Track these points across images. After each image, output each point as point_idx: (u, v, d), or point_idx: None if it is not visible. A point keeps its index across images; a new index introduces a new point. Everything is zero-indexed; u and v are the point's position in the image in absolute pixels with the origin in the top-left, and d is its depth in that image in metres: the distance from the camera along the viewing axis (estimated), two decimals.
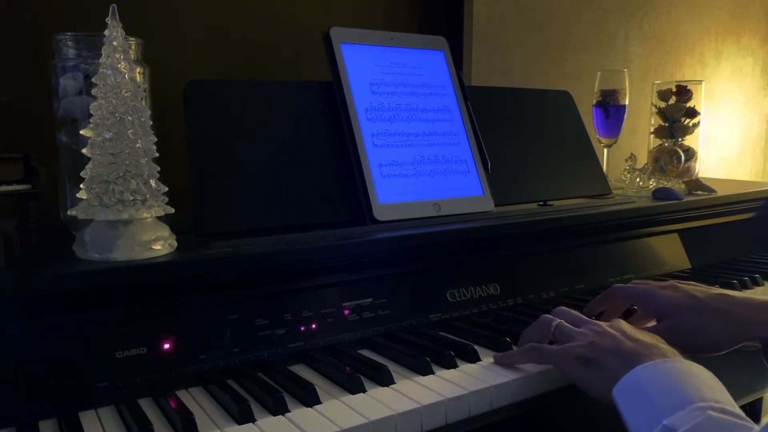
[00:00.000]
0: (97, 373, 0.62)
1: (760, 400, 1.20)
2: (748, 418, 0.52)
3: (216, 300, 0.70)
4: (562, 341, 0.68)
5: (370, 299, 0.79)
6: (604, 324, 0.68)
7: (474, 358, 0.72)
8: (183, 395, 0.65)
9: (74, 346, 0.62)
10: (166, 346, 0.66)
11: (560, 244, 0.99)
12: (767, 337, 0.72)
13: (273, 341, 0.72)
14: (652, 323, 0.78)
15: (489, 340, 0.77)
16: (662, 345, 0.63)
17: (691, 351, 0.76)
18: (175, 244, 0.72)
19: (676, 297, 0.75)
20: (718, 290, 0.77)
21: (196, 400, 0.64)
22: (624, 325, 0.68)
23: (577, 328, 0.69)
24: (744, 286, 1.01)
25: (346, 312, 0.78)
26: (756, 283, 1.03)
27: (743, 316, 0.73)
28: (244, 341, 0.70)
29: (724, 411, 0.51)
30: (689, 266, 1.13)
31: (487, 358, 0.73)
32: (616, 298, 0.82)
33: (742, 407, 0.57)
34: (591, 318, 0.73)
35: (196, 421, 0.57)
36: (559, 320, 0.71)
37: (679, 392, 0.54)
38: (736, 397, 0.92)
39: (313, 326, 0.75)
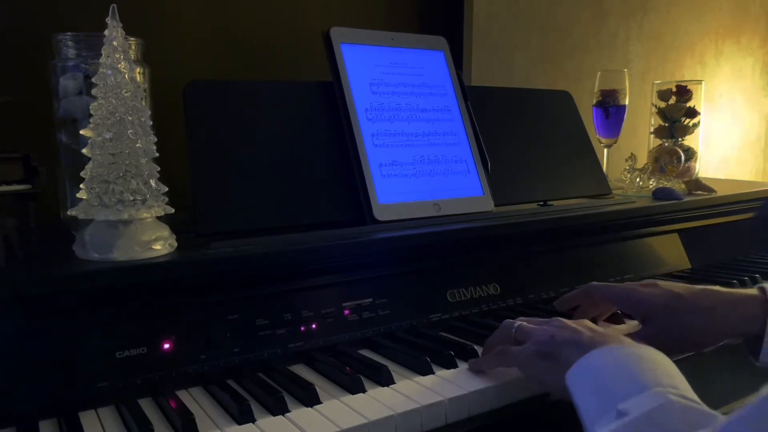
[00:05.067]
0: (97, 373, 0.62)
1: None
2: (706, 406, 0.50)
3: (216, 300, 0.70)
4: (524, 341, 0.66)
5: (370, 299, 0.79)
6: (567, 321, 0.66)
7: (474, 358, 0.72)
8: (183, 395, 0.65)
9: (74, 346, 0.62)
10: (166, 346, 0.66)
11: (560, 244, 0.99)
12: (749, 332, 0.71)
13: (273, 341, 0.72)
14: (636, 327, 0.76)
15: None
16: (623, 337, 0.61)
17: (677, 350, 0.75)
18: (175, 244, 0.72)
19: (659, 295, 0.73)
20: (699, 287, 0.75)
21: (196, 400, 0.64)
22: (588, 323, 0.65)
23: (537, 326, 0.67)
24: (744, 286, 1.01)
25: (346, 312, 0.78)
26: (756, 283, 1.03)
27: (725, 311, 0.71)
28: (244, 341, 0.70)
29: (684, 397, 0.49)
30: (689, 266, 1.13)
31: None
32: (593, 297, 0.79)
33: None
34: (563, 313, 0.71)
35: (196, 421, 0.57)
36: (520, 322, 0.69)
37: (635, 377, 0.52)
38: (733, 398, 0.92)
39: (313, 326, 0.75)
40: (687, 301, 0.72)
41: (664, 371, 0.53)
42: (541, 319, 0.69)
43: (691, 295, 0.73)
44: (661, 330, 0.72)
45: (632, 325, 0.82)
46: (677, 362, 0.80)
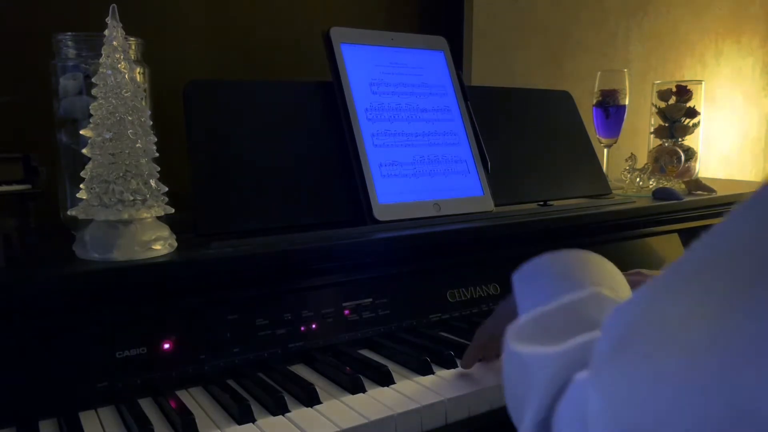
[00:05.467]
0: (97, 373, 0.62)
1: None
2: None
3: (216, 300, 0.70)
4: None
5: (370, 299, 0.79)
6: None
7: None
8: (183, 395, 0.65)
9: (74, 346, 0.62)
10: (166, 346, 0.66)
11: (560, 244, 0.98)
12: None
13: (273, 341, 0.72)
14: None
15: None
16: None
17: None
18: (175, 244, 0.72)
19: (644, 283, 0.74)
20: None
21: (196, 400, 0.64)
22: None
23: None
24: None
25: (346, 312, 0.78)
26: None
27: None
28: (244, 341, 0.70)
29: (619, 297, 0.48)
30: None
31: None
32: None
33: None
34: None
35: (196, 421, 0.58)
36: None
37: (575, 275, 0.50)
38: None
39: (313, 326, 0.75)
40: None
41: (610, 276, 0.52)
42: None
43: None
44: None
45: None
46: None
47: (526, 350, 0.42)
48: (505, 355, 0.46)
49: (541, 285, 0.51)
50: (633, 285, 0.73)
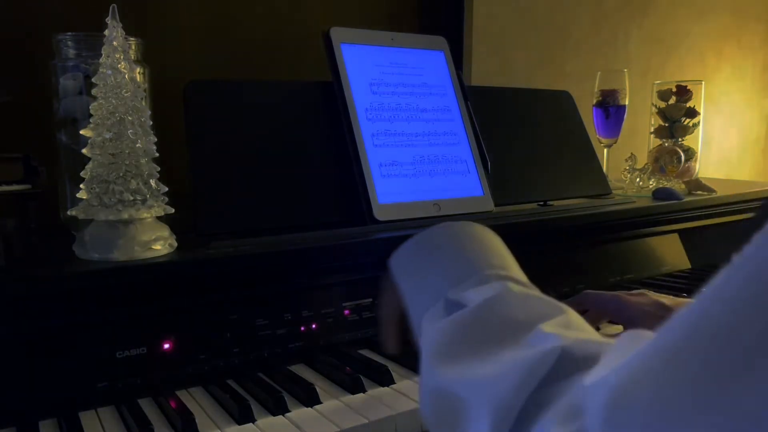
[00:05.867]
0: (97, 373, 0.62)
1: None
2: (536, 288, 0.45)
3: (216, 300, 0.70)
4: None
5: (370, 299, 0.79)
6: None
7: None
8: (183, 395, 0.65)
9: (74, 346, 0.62)
10: (166, 346, 0.66)
11: (560, 244, 0.98)
12: None
13: (273, 341, 0.72)
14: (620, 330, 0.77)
15: None
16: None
17: None
18: (175, 244, 0.72)
19: (645, 304, 0.74)
20: (687, 299, 0.76)
21: (196, 400, 0.64)
22: None
23: None
24: None
25: (346, 312, 0.78)
26: None
27: None
28: (244, 341, 0.70)
29: (517, 281, 0.45)
30: (689, 266, 1.13)
31: None
32: (586, 303, 0.79)
33: None
34: None
35: (196, 421, 0.58)
36: None
37: (464, 260, 0.46)
38: None
39: (313, 326, 0.75)
40: (670, 311, 0.72)
41: (497, 252, 0.49)
42: None
43: (676, 306, 0.73)
44: None
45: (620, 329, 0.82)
46: None
47: (454, 377, 0.37)
48: (426, 387, 0.39)
49: (428, 272, 0.46)
50: (637, 303, 0.73)
